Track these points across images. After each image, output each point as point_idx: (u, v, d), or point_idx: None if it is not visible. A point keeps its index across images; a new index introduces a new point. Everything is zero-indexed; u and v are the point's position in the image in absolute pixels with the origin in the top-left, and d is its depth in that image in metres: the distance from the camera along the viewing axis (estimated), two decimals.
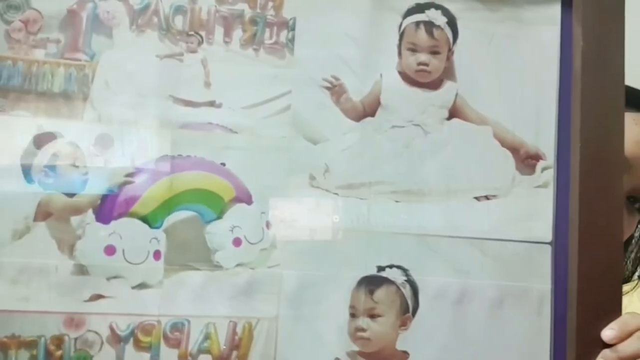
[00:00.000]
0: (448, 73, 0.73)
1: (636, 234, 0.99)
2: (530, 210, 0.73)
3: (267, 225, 0.69)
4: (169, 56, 0.69)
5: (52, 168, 0.66)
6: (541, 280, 0.72)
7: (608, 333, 0.69)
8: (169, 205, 0.68)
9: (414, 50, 0.73)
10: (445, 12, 0.73)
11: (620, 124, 0.72)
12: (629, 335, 0.69)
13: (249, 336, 0.68)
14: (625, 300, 0.93)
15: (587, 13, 0.73)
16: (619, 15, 0.73)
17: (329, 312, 0.69)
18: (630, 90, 0.91)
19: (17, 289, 0.65)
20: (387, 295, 0.70)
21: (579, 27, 0.73)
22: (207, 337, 0.67)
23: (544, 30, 0.74)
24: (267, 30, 0.71)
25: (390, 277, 0.70)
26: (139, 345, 0.66)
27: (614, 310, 0.70)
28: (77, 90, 0.67)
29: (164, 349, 0.67)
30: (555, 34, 0.74)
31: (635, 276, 1.04)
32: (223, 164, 0.69)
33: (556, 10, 0.74)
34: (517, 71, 0.74)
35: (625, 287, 1.03)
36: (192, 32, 0.70)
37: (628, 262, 1.02)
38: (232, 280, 0.68)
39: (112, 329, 0.66)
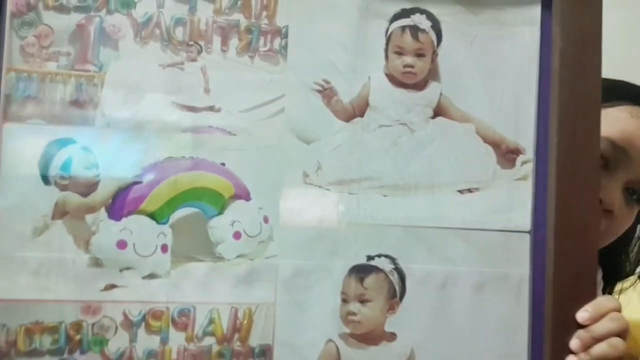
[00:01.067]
0: (433, 74, 0.77)
1: (638, 232, 1.00)
2: (511, 201, 0.76)
3: (265, 219, 0.74)
4: (171, 65, 0.74)
5: (67, 171, 0.72)
6: (520, 266, 0.76)
7: (582, 314, 0.73)
8: (174, 202, 0.73)
9: (400, 53, 0.76)
10: (430, 16, 0.76)
11: (596, 120, 0.75)
12: (603, 316, 0.73)
13: (249, 320, 0.74)
14: (624, 299, 0.95)
15: (566, 13, 0.76)
16: (596, 15, 0.76)
17: (323, 297, 0.74)
18: (625, 85, 0.93)
19: (39, 280, 0.71)
20: (376, 282, 0.75)
21: (557, 27, 0.76)
22: (211, 321, 0.73)
23: (525, 30, 0.77)
24: (262, 38, 0.75)
25: (379, 265, 0.75)
26: (149, 329, 0.72)
27: (589, 294, 0.74)
28: (88, 99, 0.72)
29: (172, 332, 0.73)
30: (535, 34, 0.77)
31: (636, 274, 1.05)
32: (223, 164, 0.74)
33: (536, 11, 0.77)
34: (499, 70, 0.77)
35: (625, 284, 1.05)
36: (191, 42, 0.74)
37: (630, 258, 1.03)
38: (233, 270, 0.73)
39: (125, 315, 0.72)
